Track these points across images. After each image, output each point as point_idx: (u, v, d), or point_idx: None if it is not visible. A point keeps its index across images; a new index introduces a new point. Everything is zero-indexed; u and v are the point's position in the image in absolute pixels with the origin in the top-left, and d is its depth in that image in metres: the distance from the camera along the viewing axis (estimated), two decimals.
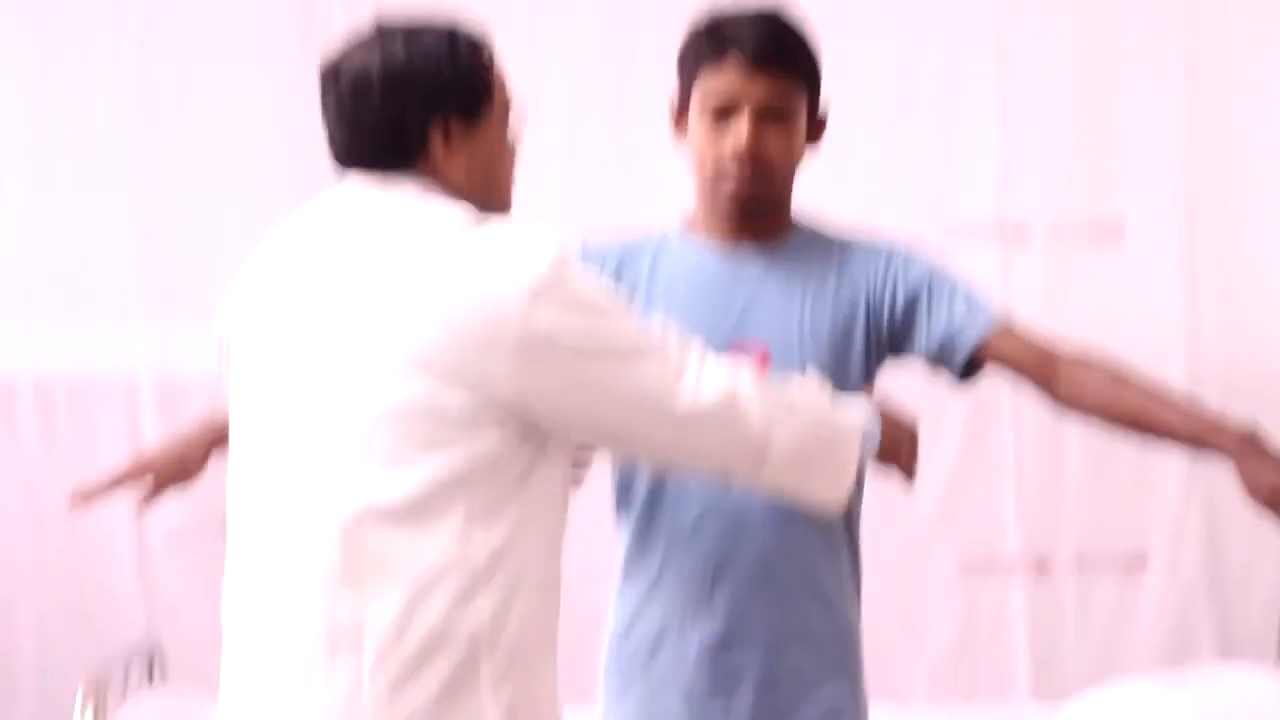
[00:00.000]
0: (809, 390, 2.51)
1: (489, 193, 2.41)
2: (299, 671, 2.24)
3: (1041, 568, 4.98)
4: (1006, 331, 2.74)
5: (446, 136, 2.35)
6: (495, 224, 2.29)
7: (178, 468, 2.74)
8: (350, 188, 2.37)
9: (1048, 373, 2.73)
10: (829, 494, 2.52)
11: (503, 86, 2.43)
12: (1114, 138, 5.02)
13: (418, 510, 2.20)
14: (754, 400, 2.37)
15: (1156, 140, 5.01)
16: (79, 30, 4.93)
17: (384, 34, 2.38)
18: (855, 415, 2.55)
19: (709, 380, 2.34)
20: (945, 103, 5.02)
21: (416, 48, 2.35)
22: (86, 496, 2.72)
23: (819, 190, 4.63)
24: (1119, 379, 2.69)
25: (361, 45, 2.38)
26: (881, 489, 2.90)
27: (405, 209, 2.31)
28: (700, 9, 2.79)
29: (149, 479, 2.76)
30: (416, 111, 2.34)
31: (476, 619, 2.21)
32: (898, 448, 2.63)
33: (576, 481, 2.72)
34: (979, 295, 2.77)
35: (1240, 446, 2.58)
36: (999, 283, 4.92)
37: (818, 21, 2.78)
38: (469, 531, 2.20)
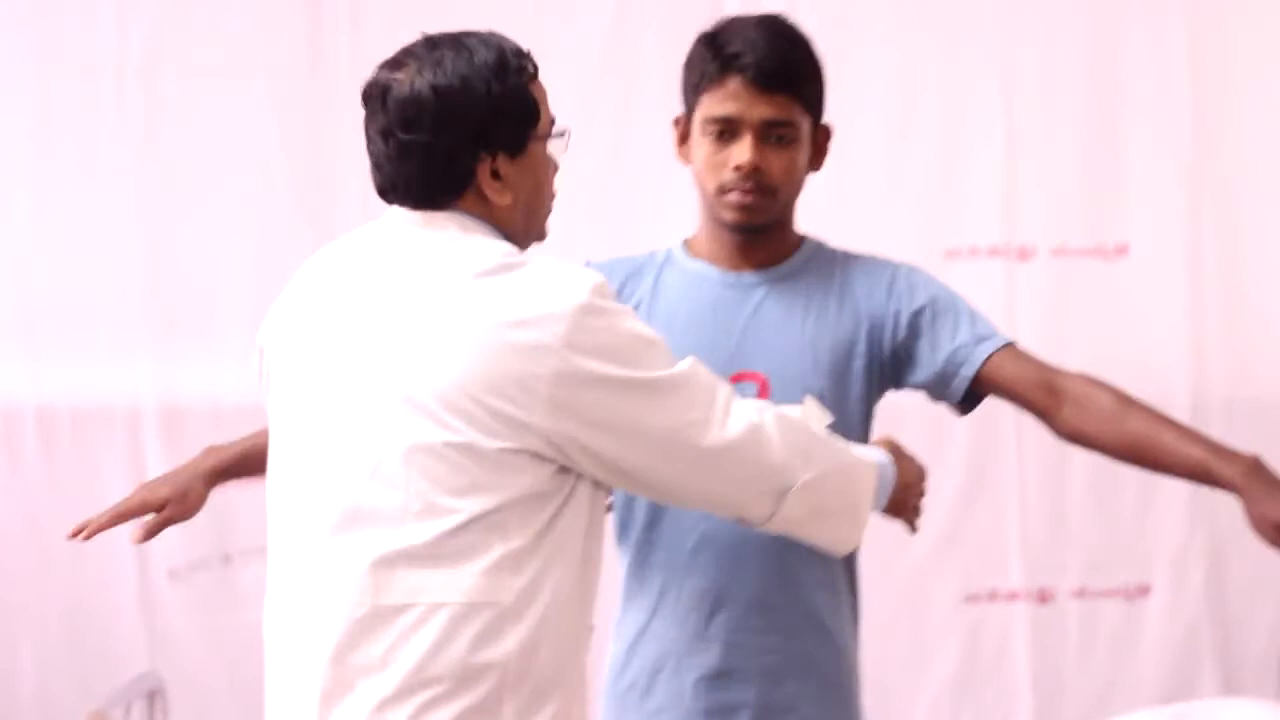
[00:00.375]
0: (829, 434, 2.51)
1: (530, 220, 2.43)
2: (325, 703, 2.26)
3: (1044, 597, 4.97)
4: (1011, 356, 2.73)
5: (494, 172, 2.36)
6: (531, 264, 2.30)
7: (178, 502, 2.72)
8: (393, 221, 2.38)
9: (1052, 398, 2.71)
10: (842, 540, 2.53)
11: (546, 104, 2.42)
12: (1119, 161, 5.02)
13: (449, 551, 2.23)
14: (777, 438, 2.38)
15: (1161, 164, 5.01)
16: (84, 57, 4.93)
17: (434, 52, 2.35)
18: (872, 461, 2.55)
19: (736, 416, 2.35)
20: (950, 127, 5.02)
21: (469, 73, 2.33)
22: (88, 532, 2.71)
23: (823, 213, 4.66)
24: (1125, 406, 2.68)
25: (410, 64, 2.35)
26: (884, 521, 2.89)
27: (446, 247, 2.32)
28: (704, 24, 2.78)
29: (149, 514, 2.75)
30: (467, 148, 2.34)
31: (504, 654, 2.23)
32: (906, 496, 2.63)
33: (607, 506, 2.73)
34: (983, 319, 2.76)
35: (1246, 479, 2.56)
36: (1003, 307, 4.94)
37: (821, 44, 2.76)
38: (499, 570, 2.23)
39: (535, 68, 2.41)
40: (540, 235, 2.46)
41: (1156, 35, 5.01)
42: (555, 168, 2.46)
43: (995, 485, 4.92)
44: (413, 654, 2.21)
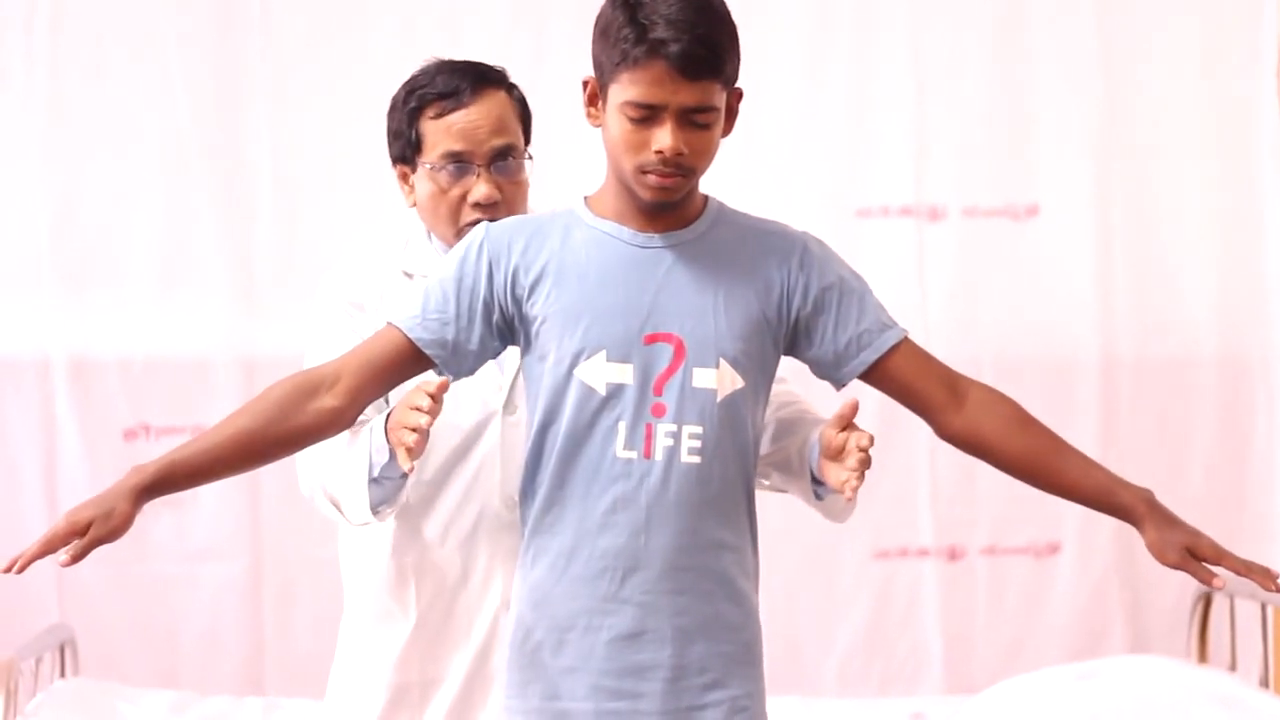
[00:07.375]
0: None
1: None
2: None
3: (954, 555, 5.01)
4: (914, 348, 2.74)
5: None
6: None
7: (102, 522, 2.70)
8: None
9: (954, 395, 2.71)
10: None
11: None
12: (1029, 122, 5.07)
13: None
14: None
15: (1071, 125, 5.06)
16: None
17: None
18: None
19: None
20: (861, 87, 5.05)
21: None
22: (20, 565, 2.69)
23: (735, 174, 4.66)
24: (1030, 419, 2.69)
25: None
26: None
27: None
28: None
29: (77, 539, 2.73)
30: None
31: None
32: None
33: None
34: (886, 310, 2.76)
35: (1147, 509, 2.61)
36: (914, 267, 4.97)
37: (733, 6, 2.73)
38: None
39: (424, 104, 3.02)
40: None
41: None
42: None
43: (905, 442, 4.93)
44: None
